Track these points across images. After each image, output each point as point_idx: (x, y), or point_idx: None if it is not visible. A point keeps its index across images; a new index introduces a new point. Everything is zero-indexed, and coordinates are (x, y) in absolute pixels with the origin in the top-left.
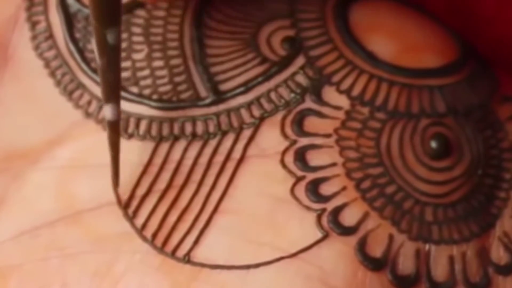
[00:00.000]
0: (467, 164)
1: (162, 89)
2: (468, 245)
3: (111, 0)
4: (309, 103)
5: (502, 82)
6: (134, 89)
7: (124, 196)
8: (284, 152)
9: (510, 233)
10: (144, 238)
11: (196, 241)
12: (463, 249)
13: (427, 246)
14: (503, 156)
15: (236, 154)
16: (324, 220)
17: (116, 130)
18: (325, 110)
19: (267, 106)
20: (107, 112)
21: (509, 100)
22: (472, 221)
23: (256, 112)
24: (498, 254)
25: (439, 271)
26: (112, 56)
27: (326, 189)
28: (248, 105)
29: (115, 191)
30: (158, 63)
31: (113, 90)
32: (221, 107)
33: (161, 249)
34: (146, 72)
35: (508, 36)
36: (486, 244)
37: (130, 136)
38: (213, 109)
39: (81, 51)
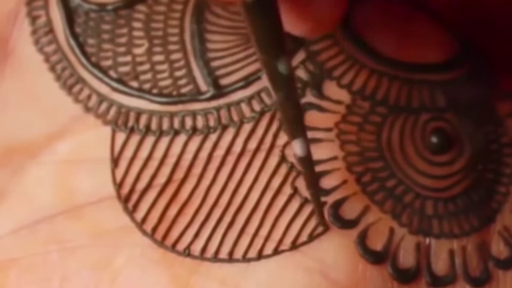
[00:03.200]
0: (468, 158)
1: (162, 83)
2: (468, 239)
3: (276, 28)
4: (309, 98)
5: (502, 78)
6: (134, 84)
7: (124, 190)
8: (285, 146)
9: (511, 227)
10: (144, 232)
11: (197, 235)
12: (463, 243)
13: (427, 240)
14: (503, 151)
15: (237, 148)
16: (325, 213)
17: (309, 166)
18: (325, 104)
19: (267, 100)
20: (296, 148)
21: (509, 96)
22: (473, 216)
23: (257, 106)
24: (498, 248)
25: (440, 265)
26: (288, 88)
27: (326, 182)
28: (249, 100)
29: (322, 221)
30: (158, 58)
31: (297, 124)
32: (222, 101)
33: (161, 243)
34: (146, 66)
35: (509, 34)
36: (487, 238)
37: (131, 131)
38: (214, 103)
39: (81, 46)
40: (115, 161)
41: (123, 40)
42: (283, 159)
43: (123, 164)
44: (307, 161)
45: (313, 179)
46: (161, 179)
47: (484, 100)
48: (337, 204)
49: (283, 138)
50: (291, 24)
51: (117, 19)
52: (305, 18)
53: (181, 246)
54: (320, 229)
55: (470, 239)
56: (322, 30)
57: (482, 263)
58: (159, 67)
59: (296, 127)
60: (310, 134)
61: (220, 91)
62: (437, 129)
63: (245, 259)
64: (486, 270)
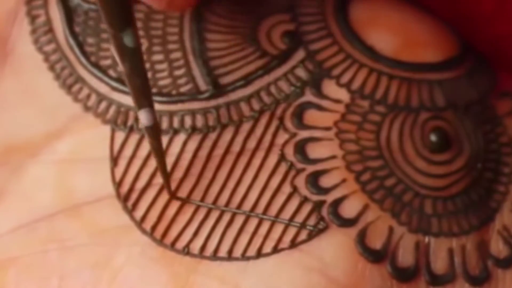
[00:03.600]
0: (467, 158)
1: (161, 82)
2: (467, 238)
3: (121, 2)
4: (309, 96)
5: (501, 78)
6: None
7: (124, 189)
8: (284, 144)
9: (510, 226)
10: (144, 231)
11: (196, 233)
12: (462, 242)
13: (426, 239)
14: (502, 151)
15: (236, 147)
16: (324, 212)
17: (155, 135)
18: (325, 103)
19: (266, 99)
20: (143, 118)
21: (507, 95)
22: (472, 214)
23: (256, 106)
24: (497, 247)
25: (439, 264)
26: (134, 59)
27: (326, 181)
28: (248, 99)
29: (168, 189)
30: (158, 57)
31: (144, 95)
32: (221, 100)
33: (160, 241)
34: (145, 65)
35: (508, 35)
36: (486, 238)
37: (130, 130)
38: (213, 102)
39: (80, 45)
40: (114, 160)
41: None
42: (282, 158)
43: (122, 163)
44: (154, 130)
45: (160, 148)
46: (161, 178)
47: (483, 100)
48: (337, 203)
49: (282, 137)
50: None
51: None
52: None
53: (180, 244)
54: (319, 227)
55: (469, 238)
56: (178, 7)
57: (481, 262)
58: (159, 66)
59: (143, 97)
60: (310, 133)
61: (219, 90)
62: (436, 128)
63: (244, 257)
64: (485, 269)
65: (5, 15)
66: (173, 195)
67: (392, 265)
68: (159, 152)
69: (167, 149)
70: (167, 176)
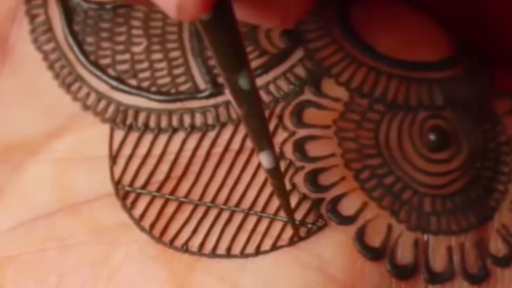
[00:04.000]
0: (465, 156)
1: (161, 81)
2: (466, 236)
3: (234, 43)
4: (308, 95)
5: (500, 77)
6: (133, 82)
7: (122, 187)
8: (283, 143)
9: (508, 225)
10: (142, 228)
11: (194, 231)
12: (461, 240)
13: (425, 237)
14: (501, 150)
15: (235, 145)
16: (323, 209)
17: (277, 176)
18: (324, 101)
19: (266, 98)
20: (264, 161)
21: (506, 94)
22: (470, 213)
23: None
24: (496, 246)
25: (438, 262)
26: (250, 101)
27: (325, 179)
28: None
29: (294, 230)
30: (157, 56)
31: (263, 137)
32: (220, 99)
33: (159, 239)
34: (145, 64)
35: (508, 35)
36: (484, 236)
37: (129, 128)
38: (212, 101)
39: (80, 44)
40: (113, 159)
41: (121, 38)
42: (281, 156)
43: (121, 161)
44: (276, 172)
45: (284, 190)
46: (159, 176)
47: (482, 98)
48: (335, 200)
49: (281, 135)
50: (260, 19)
51: (116, 17)
52: (272, 14)
53: (179, 242)
54: (318, 225)
55: (468, 236)
56: (290, 22)
57: (480, 260)
58: (158, 65)
59: (262, 140)
60: (309, 131)
61: (218, 89)
62: (435, 127)
63: (243, 254)
64: (484, 267)
65: (5, 14)
66: (300, 238)
67: (391, 263)
68: (283, 193)
69: (166, 147)
70: (292, 216)
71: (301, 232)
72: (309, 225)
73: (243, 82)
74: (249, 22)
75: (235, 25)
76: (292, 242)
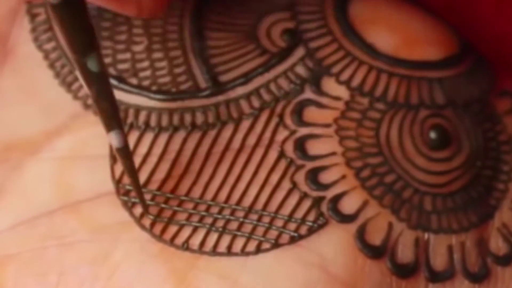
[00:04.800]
0: (466, 155)
1: (161, 80)
2: (466, 235)
3: (83, 27)
4: (308, 94)
5: (500, 77)
6: (134, 81)
7: (123, 185)
8: (284, 141)
9: (509, 224)
10: (143, 227)
11: (195, 229)
12: (462, 239)
13: (426, 235)
14: (502, 149)
15: (235, 144)
16: (324, 207)
17: (127, 155)
18: (324, 100)
19: (266, 97)
20: (113, 140)
21: (507, 94)
22: (471, 212)
23: (256, 103)
24: (497, 244)
25: (438, 260)
26: (100, 83)
27: (325, 177)
28: (248, 96)
29: (144, 209)
30: (157, 55)
31: (113, 117)
32: (220, 98)
33: (159, 237)
34: (145, 63)
35: (508, 35)
36: (485, 235)
37: (130, 127)
38: (213, 100)
39: None
40: (114, 157)
41: (122, 37)
42: (282, 154)
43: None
44: (125, 151)
45: (133, 169)
46: (160, 175)
47: (482, 98)
48: (336, 199)
49: (282, 134)
50: (116, 6)
51: (116, 16)
52: (128, 2)
53: (179, 240)
54: (319, 223)
55: (469, 235)
56: (147, 12)
57: (481, 259)
58: (158, 64)
59: (111, 120)
60: (309, 130)
61: (219, 88)
62: (435, 126)
63: (243, 252)
64: (485, 266)
65: (6, 14)
66: (147, 211)
67: (391, 261)
68: (133, 172)
69: (167, 146)
70: (141, 194)
71: (302, 230)
72: (310, 223)
73: (91, 65)
74: (106, 8)
75: (84, 8)
76: (293, 240)
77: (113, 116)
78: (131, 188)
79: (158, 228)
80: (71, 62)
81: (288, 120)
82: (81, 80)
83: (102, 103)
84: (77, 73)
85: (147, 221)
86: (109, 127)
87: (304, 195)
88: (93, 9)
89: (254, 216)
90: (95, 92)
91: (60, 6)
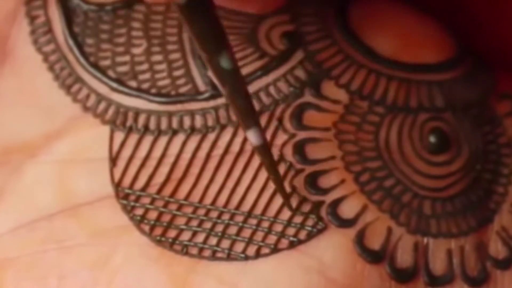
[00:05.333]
0: (466, 158)
1: (160, 83)
2: (466, 239)
3: (212, 25)
4: (308, 97)
5: (500, 80)
6: (133, 83)
7: (123, 189)
8: (283, 145)
9: (508, 227)
10: (142, 231)
11: (194, 233)
12: (461, 243)
13: (425, 240)
14: (501, 152)
15: (235, 147)
16: (323, 212)
17: (266, 153)
18: (324, 104)
19: (265, 100)
20: (251, 138)
21: (507, 96)
22: (470, 215)
23: (255, 106)
24: (496, 248)
25: (438, 265)
26: (233, 81)
27: (325, 181)
28: None
29: (288, 206)
30: (157, 58)
31: (249, 115)
32: (220, 101)
33: (159, 241)
34: (145, 66)
35: (508, 38)
36: (484, 239)
37: (129, 130)
38: (212, 103)
39: (79, 46)
40: (113, 161)
41: (121, 40)
42: (281, 158)
43: (121, 163)
44: (264, 149)
45: (273, 165)
46: (159, 178)
47: (482, 101)
48: (335, 203)
49: (281, 138)
50: (240, 4)
51: (116, 19)
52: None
53: (179, 244)
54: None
55: (468, 239)
56: (271, 8)
57: (480, 263)
58: (158, 67)
59: (248, 117)
60: (308, 134)
61: (218, 91)
62: (435, 129)
63: (243, 257)
64: (484, 270)
65: (5, 16)
66: (294, 211)
67: (390, 266)
68: (273, 169)
69: (166, 149)
70: (285, 192)
71: (301, 235)
72: (309, 228)
73: (224, 62)
74: (229, 7)
75: (212, 6)
76: (292, 245)
77: (249, 113)
78: (130, 191)
79: (157, 232)
80: (205, 61)
81: (287, 124)
82: (214, 79)
83: (237, 101)
84: (209, 73)
85: (146, 225)
86: (246, 125)
87: (303, 200)
88: (91, 11)
89: (253, 221)
90: (229, 90)
91: (188, 6)
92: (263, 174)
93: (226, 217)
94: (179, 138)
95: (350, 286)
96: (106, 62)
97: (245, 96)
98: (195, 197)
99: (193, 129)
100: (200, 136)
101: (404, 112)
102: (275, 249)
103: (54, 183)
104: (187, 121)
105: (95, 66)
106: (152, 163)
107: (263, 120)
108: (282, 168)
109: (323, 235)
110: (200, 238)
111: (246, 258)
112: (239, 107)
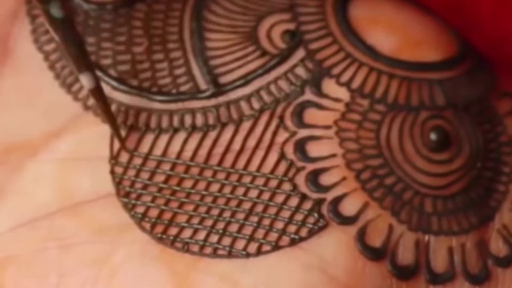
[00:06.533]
0: (466, 157)
1: (161, 81)
2: (467, 236)
3: None
4: (309, 95)
5: (501, 78)
6: (134, 82)
7: (123, 187)
8: (284, 143)
9: (509, 225)
10: (143, 228)
11: (195, 231)
12: (462, 241)
13: (426, 237)
14: (502, 150)
15: (236, 145)
16: (324, 209)
17: (100, 96)
18: (325, 102)
19: (266, 98)
20: (85, 82)
21: (507, 95)
22: (471, 213)
23: (256, 105)
24: (497, 246)
25: (439, 262)
26: (64, 28)
27: (326, 179)
28: (248, 98)
29: (122, 149)
30: (158, 56)
31: (82, 59)
32: (221, 99)
33: (160, 239)
34: (146, 65)
35: (508, 36)
36: (485, 236)
37: (130, 128)
38: (213, 101)
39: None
40: (114, 159)
41: (122, 38)
42: (282, 156)
43: (122, 161)
44: (98, 91)
45: (107, 107)
46: (161, 176)
47: (483, 99)
48: (337, 201)
49: (282, 136)
50: None
51: (117, 18)
52: None
53: (180, 242)
54: (319, 225)
55: (469, 236)
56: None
57: (481, 260)
58: (159, 66)
59: (80, 62)
60: (310, 132)
61: (219, 89)
62: (436, 127)
63: (244, 254)
64: (485, 268)
65: (6, 15)
66: (125, 148)
67: (392, 263)
68: (107, 111)
69: (167, 147)
70: (118, 130)
71: (303, 232)
72: (311, 226)
73: (54, 11)
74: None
75: None
76: (293, 242)
77: (82, 58)
78: (131, 189)
79: (158, 230)
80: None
81: (288, 122)
82: (48, 28)
83: (69, 48)
84: (44, 22)
85: (147, 223)
86: (79, 69)
87: (305, 197)
88: (92, 10)
89: (254, 218)
90: (62, 37)
91: None
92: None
93: (227, 214)
94: (180, 136)
95: (351, 284)
96: (107, 61)
97: (78, 43)
98: (196, 195)
99: (194, 128)
100: (201, 135)
101: (405, 110)
102: (276, 246)
103: (54, 181)
104: (188, 120)
105: (96, 65)
106: (153, 161)
107: (264, 118)
108: (283, 166)
109: (324, 233)
110: (201, 235)
111: (247, 255)
112: (72, 53)
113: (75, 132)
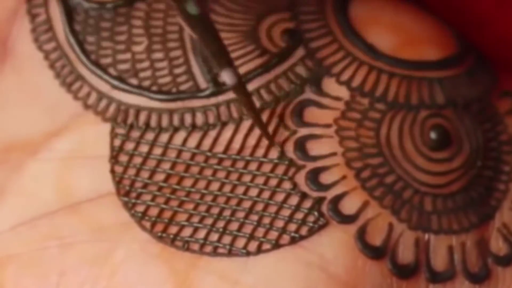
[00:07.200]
0: (466, 155)
1: (161, 80)
2: (467, 235)
3: None
4: (309, 94)
5: (502, 77)
6: (134, 81)
7: (124, 186)
8: (284, 142)
9: (509, 224)
10: (143, 227)
11: (196, 230)
12: (462, 239)
13: (426, 236)
14: (502, 149)
15: (236, 144)
16: (324, 208)
17: (243, 91)
18: (325, 100)
19: (266, 97)
20: (227, 78)
21: (508, 94)
22: (471, 212)
23: (256, 103)
24: (497, 245)
25: (439, 261)
26: (202, 25)
27: (326, 178)
28: None
29: (270, 142)
30: (158, 55)
31: (222, 55)
32: (221, 98)
33: (160, 238)
34: (145, 64)
35: (508, 35)
36: (485, 235)
37: (130, 127)
38: (213, 100)
39: (80, 44)
40: (114, 158)
41: (122, 37)
42: (282, 155)
43: (122, 160)
44: (240, 87)
45: (251, 103)
46: (161, 175)
47: (483, 98)
48: (337, 199)
49: (282, 134)
50: None
51: (117, 17)
52: None
53: (180, 241)
54: (319, 223)
55: (469, 235)
56: None
57: (481, 259)
58: (159, 65)
59: (221, 59)
60: (310, 130)
61: (219, 88)
62: (436, 126)
63: (244, 253)
64: (485, 267)
65: (5, 14)
66: (273, 144)
67: (392, 262)
68: (252, 108)
69: (167, 146)
70: (266, 129)
71: (303, 231)
72: (311, 224)
73: (191, 9)
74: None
75: None
76: (293, 241)
77: (222, 55)
78: (131, 188)
79: (158, 229)
80: (176, 10)
81: (288, 121)
82: (185, 26)
83: (209, 44)
84: (180, 21)
85: (147, 222)
86: (221, 66)
87: (305, 196)
88: (92, 9)
89: (254, 217)
90: (200, 34)
91: None
92: (265, 171)
93: (227, 213)
94: (180, 135)
95: (351, 282)
96: (107, 60)
97: (216, 39)
98: (196, 193)
99: (194, 127)
100: (201, 134)
101: (405, 109)
102: (277, 245)
103: (55, 180)
104: (188, 119)
105: (96, 64)
106: (153, 160)
107: (264, 117)
108: (283, 165)
109: (324, 231)
110: (201, 234)
111: (248, 254)
112: (212, 50)
113: (75, 131)
